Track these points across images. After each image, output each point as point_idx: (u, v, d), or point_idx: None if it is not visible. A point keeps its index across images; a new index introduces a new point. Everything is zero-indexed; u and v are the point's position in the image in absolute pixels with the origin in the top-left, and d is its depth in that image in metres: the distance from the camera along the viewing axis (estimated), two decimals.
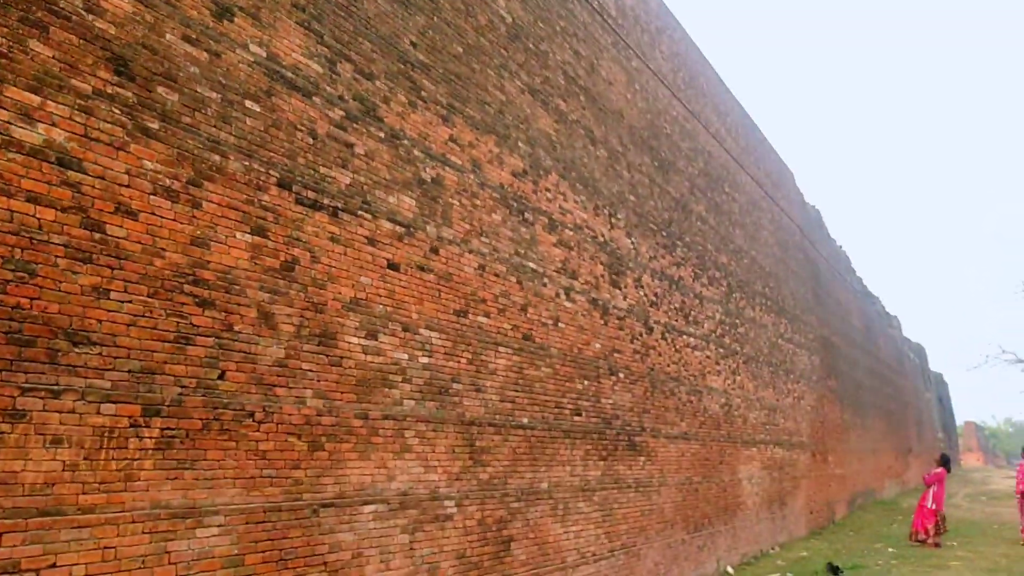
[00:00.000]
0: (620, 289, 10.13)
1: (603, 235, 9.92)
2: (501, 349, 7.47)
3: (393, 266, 6.26)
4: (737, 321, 14.74)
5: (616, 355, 9.79)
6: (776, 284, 18.17)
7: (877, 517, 22.65)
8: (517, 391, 7.66)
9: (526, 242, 8.15)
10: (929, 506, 15.25)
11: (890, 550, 14.69)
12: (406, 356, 6.25)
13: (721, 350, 13.58)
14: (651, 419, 10.49)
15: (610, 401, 9.49)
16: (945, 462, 15.04)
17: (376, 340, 5.96)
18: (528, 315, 8.02)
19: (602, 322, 9.53)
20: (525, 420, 7.74)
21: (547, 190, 8.76)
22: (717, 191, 15.15)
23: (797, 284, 20.36)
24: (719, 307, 13.82)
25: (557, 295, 8.62)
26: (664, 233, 11.96)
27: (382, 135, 6.37)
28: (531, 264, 8.19)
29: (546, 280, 8.43)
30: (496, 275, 7.57)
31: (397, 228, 6.35)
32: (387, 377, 6.03)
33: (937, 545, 14.79)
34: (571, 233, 9.14)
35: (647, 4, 12.80)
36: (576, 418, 8.70)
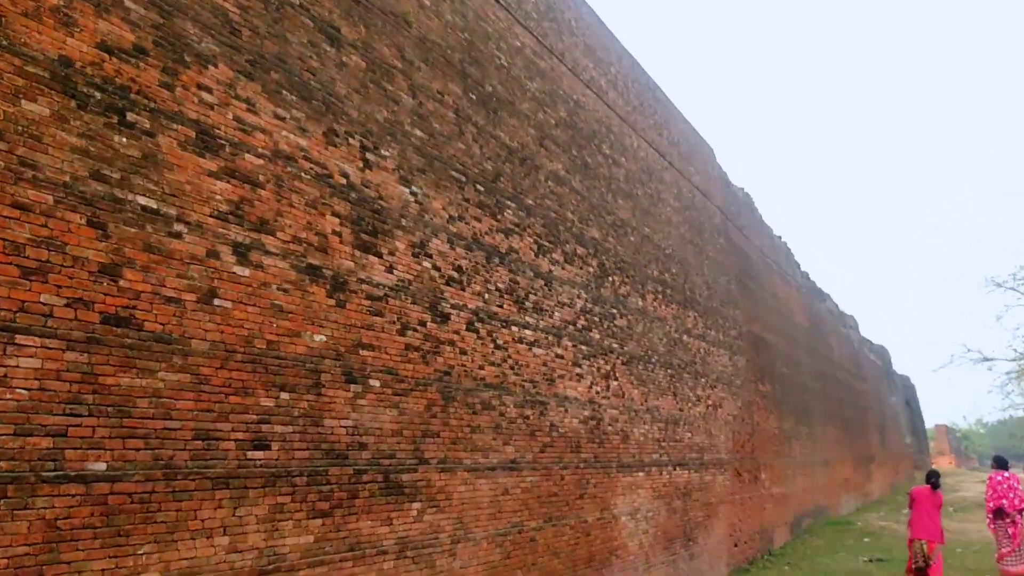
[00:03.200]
0: (378, 256, 6.86)
1: (345, 175, 6.65)
2: (22, 338, 4.15)
3: None
4: (615, 311, 11.54)
5: (366, 353, 6.51)
6: (682, 270, 15.03)
7: (826, 542, 19.52)
8: (74, 415, 4.33)
9: (128, 160, 4.85)
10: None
11: None
12: None
13: (585, 347, 10.35)
14: (441, 446, 7.21)
15: (347, 423, 6.19)
16: (929, 479, 11.34)
17: None
18: (124, 282, 4.71)
19: (331, 302, 6.25)
20: (99, 466, 4.41)
21: (203, 87, 5.48)
22: (589, 150, 11.99)
23: (715, 272, 17.25)
24: (582, 292, 10.61)
25: (213, 254, 5.32)
26: (482, 188, 8.73)
27: None
28: (139, 198, 4.88)
29: (182, 228, 5.12)
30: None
31: None
32: None
33: None
34: (262, 163, 5.86)
35: None
36: (255, 453, 5.38)
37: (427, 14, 8.45)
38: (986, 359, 44.21)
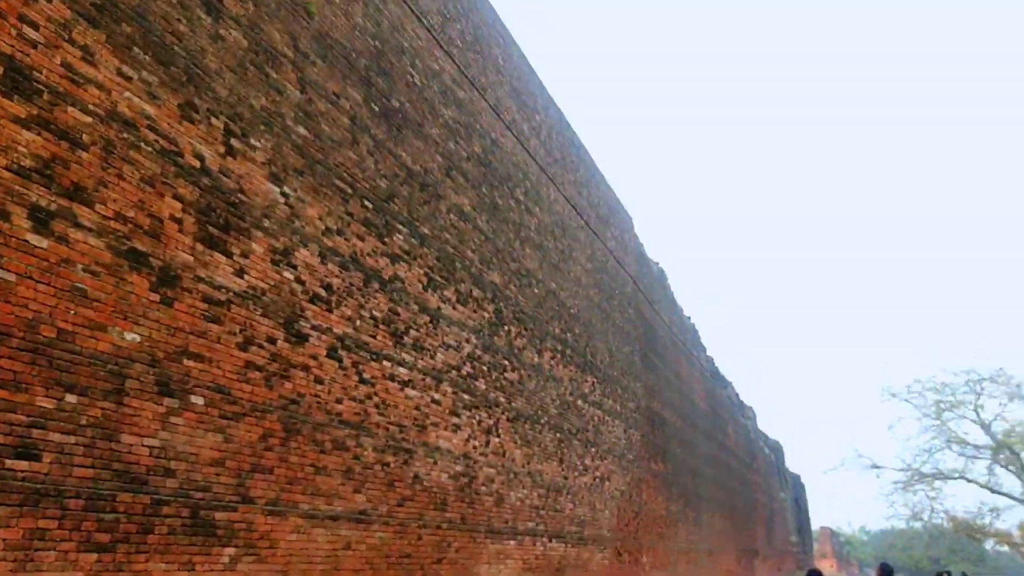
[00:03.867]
0: (227, 255, 5.95)
1: (200, 157, 5.77)
2: None
3: None
4: (506, 363, 10.77)
5: (191, 363, 5.54)
6: (585, 333, 14.44)
7: None
8: None
9: None
10: None
11: None
12: None
13: (467, 396, 9.51)
14: (273, 485, 6.22)
15: (152, 442, 5.18)
16: None
17: None
18: None
19: (154, 297, 5.29)
20: None
21: (26, 20, 4.57)
22: (501, 192, 11.37)
23: (620, 341, 16.74)
24: (472, 336, 9.83)
25: (1, 215, 4.35)
26: (370, 205, 7.94)
27: None
28: None
29: None
30: None
31: None
32: None
33: None
34: (91, 121, 4.95)
35: None
36: (16, 463, 4.33)
37: (333, 10, 7.74)
38: (875, 466, 45.02)
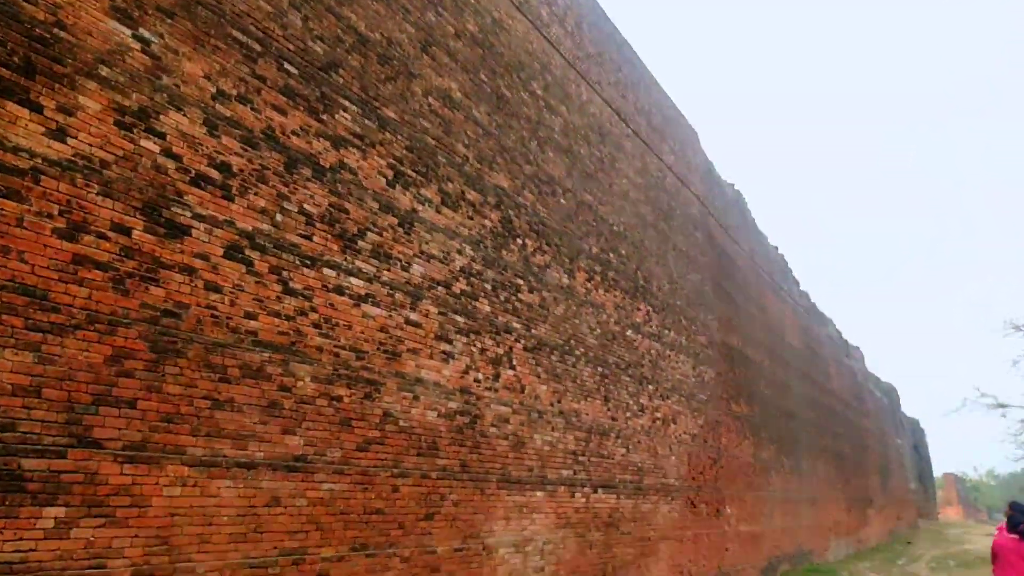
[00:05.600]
0: (34, 109, 4.32)
1: None
2: None
3: None
4: (521, 282, 8.93)
5: None
6: (636, 254, 12.41)
7: None
8: None
9: None
10: None
11: None
12: None
13: (462, 319, 7.74)
14: (139, 422, 4.60)
15: None
16: (1015, 524, 7.48)
17: None
18: None
19: None
20: None
21: None
22: (508, 81, 9.45)
23: (684, 267, 14.61)
24: (468, 248, 8.02)
25: None
26: (296, 72, 6.18)
27: None
28: None
29: None
30: None
31: None
32: None
33: None
34: None
35: None
36: None
37: None
38: (1000, 405, 41.04)
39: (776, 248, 24.48)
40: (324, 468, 5.86)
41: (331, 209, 6.29)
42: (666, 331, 13.06)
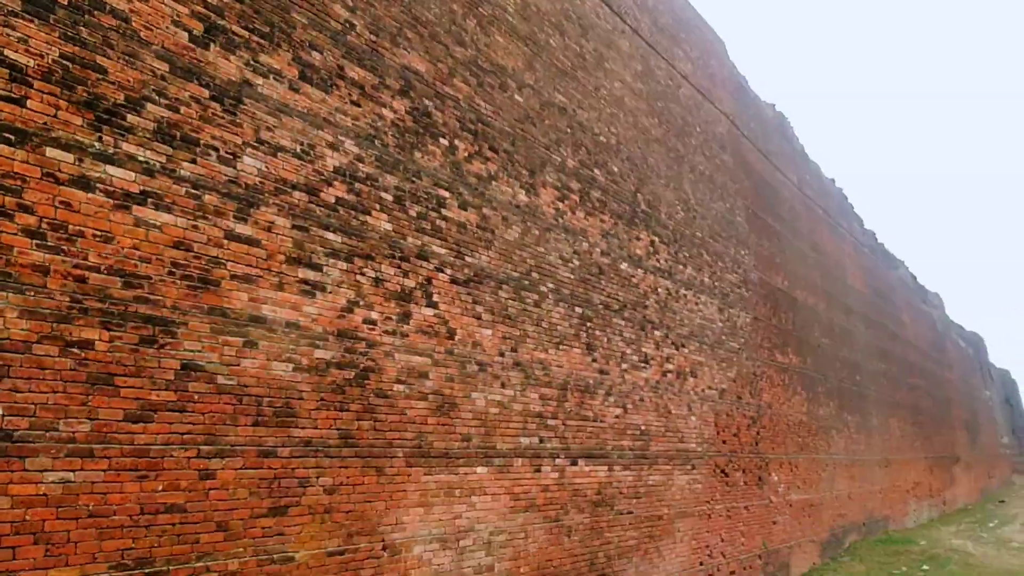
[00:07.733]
0: None
1: None
2: None
3: None
4: (446, 193, 6.77)
5: None
6: (633, 173, 10.10)
7: (868, 568, 14.19)
8: None
9: None
10: None
11: None
12: None
13: (335, 236, 5.65)
14: None
15: None
16: None
17: None
18: None
19: None
20: None
21: None
22: None
23: (706, 193, 12.21)
24: (349, 141, 5.90)
25: None
26: None
27: None
28: None
29: None
30: None
31: None
32: None
33: None
34: None
35: None
36: None
37: None
38: None
39: (832, 180, 21.64)
40: (50, 449, 3.86)
41: (65, 63, 4.23)
42: (679, 266, 10.73)
